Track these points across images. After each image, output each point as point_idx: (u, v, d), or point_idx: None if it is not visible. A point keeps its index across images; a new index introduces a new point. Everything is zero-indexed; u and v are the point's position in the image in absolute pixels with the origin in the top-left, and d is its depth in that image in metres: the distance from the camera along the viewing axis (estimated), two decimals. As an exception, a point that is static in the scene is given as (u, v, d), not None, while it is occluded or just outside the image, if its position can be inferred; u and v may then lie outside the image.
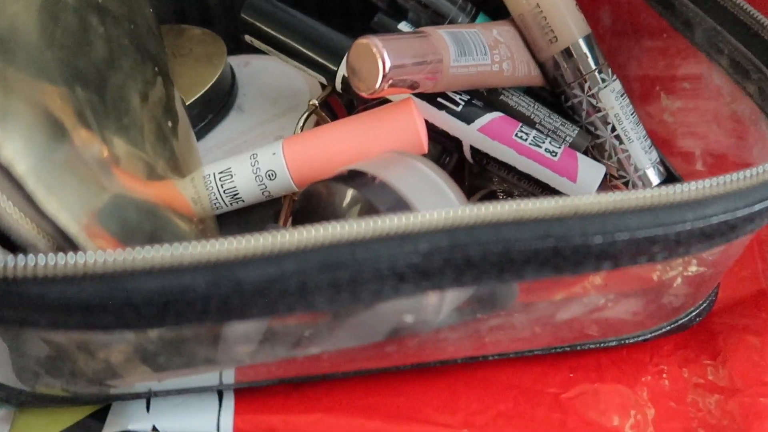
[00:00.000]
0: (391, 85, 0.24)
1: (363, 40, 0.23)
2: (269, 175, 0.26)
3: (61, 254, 0.15)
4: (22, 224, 0.16)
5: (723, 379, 0.25)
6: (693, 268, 0.23)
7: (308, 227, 0.17)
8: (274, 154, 0.26)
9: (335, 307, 0.18)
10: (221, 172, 0.27)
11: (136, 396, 0.23)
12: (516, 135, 0.27)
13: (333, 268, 0.17)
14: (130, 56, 0.22)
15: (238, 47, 0.36)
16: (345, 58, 0.28)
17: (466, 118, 0.28)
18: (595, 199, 0.18)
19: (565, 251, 0.18)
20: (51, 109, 0.17)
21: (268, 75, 0.35)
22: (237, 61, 0.36)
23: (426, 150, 0.26)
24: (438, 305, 0.21)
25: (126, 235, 0.19)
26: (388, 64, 0.23)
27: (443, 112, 0.28)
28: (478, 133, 0.27)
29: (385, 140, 0.26)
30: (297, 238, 0.17)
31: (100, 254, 0.16)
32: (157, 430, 0.23)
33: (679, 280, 0.24)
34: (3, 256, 0.15)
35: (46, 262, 0.15)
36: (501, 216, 0.17)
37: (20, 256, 0.15)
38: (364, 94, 0.24)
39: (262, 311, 0.17)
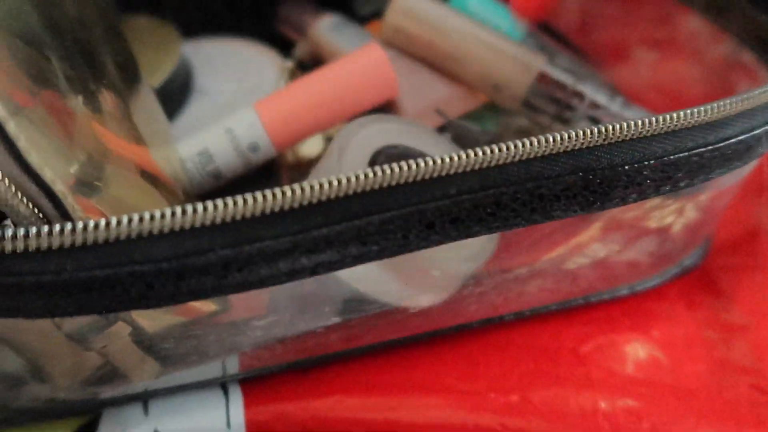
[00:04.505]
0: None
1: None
2: (252, 148, 0.25)
3: (56, 224, 0.13)
4: None
5: (732, 317, 0.25)
6: (691, 213, 0.23)
7: (330, 179, 0.15)
8: (252, 124, 0.25)
9: (363, 263, 0.16)
10: (199, 154, 0.25)
11: (132, 398, 0.21)
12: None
13: (359, 217, 0.15)
14: (98, 27, 0.20)
15: (188, 32, 0.34)
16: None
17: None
18: (623, 125, 0.17)
19: (594, 183, 0.17)
20: (29, 63, 0.15)
21: (227, 56, 0.34)
22: (191, 46, 0.34)
23: (397, 88, 0.25)
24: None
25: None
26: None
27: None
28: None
29: (359, 83, 0.25)
30: (320, 190, 0.15)
31: (101, 220, 0.14)
32: (158, 433, 0.21)
33: (677, 225, 0.23)
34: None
35: (39, 231, 0.13)
36: (531, 152, 0.16)
37: (6, 227, 0.13)
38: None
39: (286, 276, 0.15)
